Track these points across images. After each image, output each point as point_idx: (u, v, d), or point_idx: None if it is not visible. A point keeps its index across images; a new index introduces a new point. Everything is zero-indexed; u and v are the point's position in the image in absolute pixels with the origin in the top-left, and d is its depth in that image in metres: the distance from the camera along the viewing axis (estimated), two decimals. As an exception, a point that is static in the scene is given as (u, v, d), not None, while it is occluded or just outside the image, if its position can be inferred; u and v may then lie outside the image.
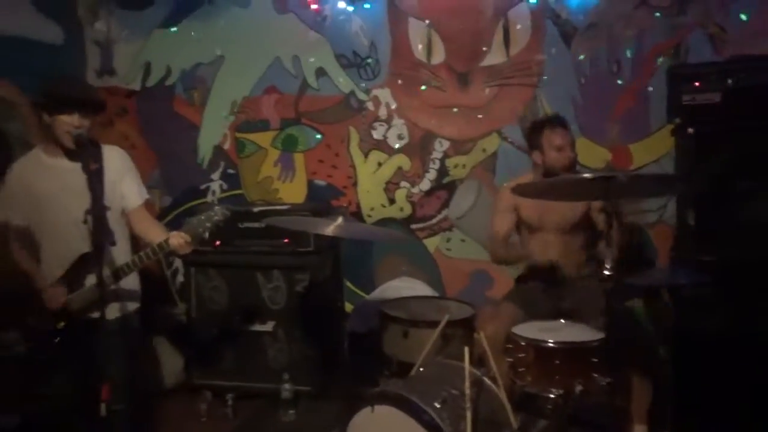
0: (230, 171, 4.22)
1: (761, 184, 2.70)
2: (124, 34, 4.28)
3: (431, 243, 3.92)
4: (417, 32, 3.82)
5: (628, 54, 3.54)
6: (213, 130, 4.22)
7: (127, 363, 2.44)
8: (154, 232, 2.43)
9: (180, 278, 4.23)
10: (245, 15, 4.05)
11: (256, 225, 3.52)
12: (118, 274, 2.34)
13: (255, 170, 4.18)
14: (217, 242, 3.53)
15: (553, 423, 2.41)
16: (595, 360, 2.24)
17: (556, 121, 2.97)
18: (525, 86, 3.70)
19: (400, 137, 3.92)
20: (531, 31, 3.67)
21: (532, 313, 2.72)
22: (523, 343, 2.34)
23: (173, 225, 2.59)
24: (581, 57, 3.61)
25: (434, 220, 3.91)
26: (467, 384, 2.18)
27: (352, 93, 3.96)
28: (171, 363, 3.77)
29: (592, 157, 3.58)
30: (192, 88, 4.22)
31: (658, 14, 3.47)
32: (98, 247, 2.11)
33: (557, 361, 2.28)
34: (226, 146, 4.21)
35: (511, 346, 2.38)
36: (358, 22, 3.89)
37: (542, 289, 2.90)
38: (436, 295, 3.71)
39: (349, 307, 3.99)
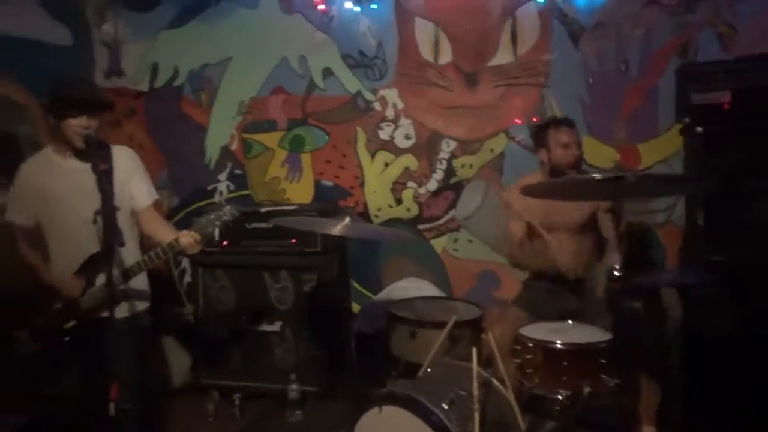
0: (237, 171, 4.23)
1: (771, 183, 2.68)
2: (132, 35, 4.30)
3: (438, 243, 3.92)
4: (424, 32, 3.82)
5: (637, 53, 3.52)
6: (220, 131, 4.23)
7: (136, 362, 2.44)
8: (164, 232, 2.44)
9: (188, 278, 4.26)
10: (252, 16, 4.06)
11: (263, 225, 3.53)
12: (127, 273, 2.35)
13: (262, 171, 4.19)
14: (225, 242, 3.54)
15: (561, 424, 2.41)
16: (603, 361, 2.24)
17: (561, 120, 3.02)
18: (532, 86, 3.70)
19: (407, 137, 3.92)
20: (538, 30, 3.66)
21: (540, 314, 2.70)
22: (530, 345, 2.33)
23: (181, 225, 2.60)
24: (589, 57, 3.59)
25: (441, 221, 3.91)
26: (475, 385, 2.17)
27: (359, 93, 3.96)
28: (179, 363, 3.79)
29: (601, 157, 3.56)
30: (199, 89, 4.23)
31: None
32: (108, 247, 2.12)
33: (565, 363, 2.27)
34: (234, 147, 4.22)
35: (518, 347, 2.38)
36: (365, 22, 3.89)
37: (549, 290, 2.89)
38: (444, 295, 3.69)
39: (356, 307, 3.99)
